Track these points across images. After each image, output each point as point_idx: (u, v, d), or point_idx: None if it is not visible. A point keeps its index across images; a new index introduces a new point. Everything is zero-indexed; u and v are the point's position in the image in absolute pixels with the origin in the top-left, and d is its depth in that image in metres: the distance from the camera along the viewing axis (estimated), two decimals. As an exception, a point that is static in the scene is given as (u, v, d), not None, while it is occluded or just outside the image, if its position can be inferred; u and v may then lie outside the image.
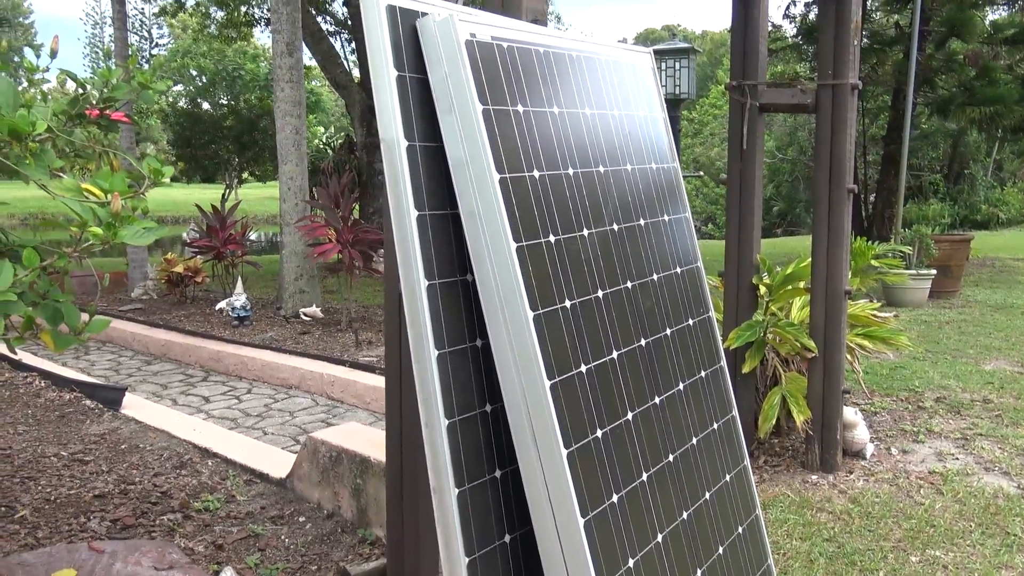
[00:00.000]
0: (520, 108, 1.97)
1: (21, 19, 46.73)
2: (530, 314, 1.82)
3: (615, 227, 2.21)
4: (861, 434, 4.47)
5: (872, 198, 15.24)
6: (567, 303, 1.95)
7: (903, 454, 4.54)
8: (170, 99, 26.73)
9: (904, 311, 9.38)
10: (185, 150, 18.66)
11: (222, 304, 9.04)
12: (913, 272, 9.71)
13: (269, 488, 3.87)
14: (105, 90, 2.37)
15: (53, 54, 2.37)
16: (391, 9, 1.86)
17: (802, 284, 4.51)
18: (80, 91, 2.36)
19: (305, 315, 8.91)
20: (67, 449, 4.32)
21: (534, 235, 1.90)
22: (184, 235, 17.26)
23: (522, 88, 1.99)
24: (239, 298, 8.63)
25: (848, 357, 4.60)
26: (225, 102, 26.35)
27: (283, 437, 5.38)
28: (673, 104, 8.21)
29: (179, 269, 9.89)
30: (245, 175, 20.83)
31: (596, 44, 2.36)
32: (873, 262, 9.12)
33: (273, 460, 4.12)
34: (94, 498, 3.67)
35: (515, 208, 1.87)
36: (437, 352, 1.85)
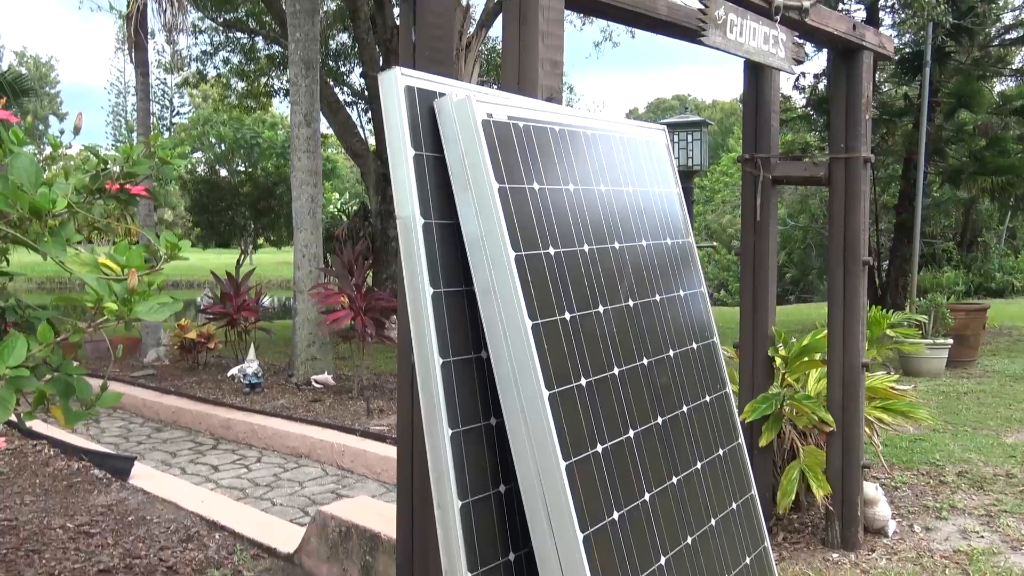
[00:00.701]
0: (536, 186, 1.98)
1: (48, 88, 48.10)
2: (545, 393, 1.80)
3: (631, 303, 2.19)
4: (883, 510, 4.36)
5: (886, 266, 15.21)
6: (583, 381, 1.93)
7: (926, 531, 4.42)
8: (189, 166, 27.26)
9: (922, 381, 9.25)
10: (202, 216, 18.93)
11: (234, 371, 9.03)
12: (930, 341, 9.61)
13: (276, 563, 3.79)
14: (125, 165, 2.40)
15: (77, 131, 2.41)
16: (409, 90, 1.89)
17: (818, 356, 4.46)
18: (101, 166, 2.40)
19: (317, 382, 8.88)
20: (73, 521, 4.26)
21: (549, 312, 1.89)
22: (198, 300, 17.37)
23: (538, 166, 2.00)
24: (251, 365, 8.62)
25: (867, 431, 4.52)
26: (243, 169, 26.84)
27: (292, 508, 5.30)
28: (686, 176, 8.29)
29: (192, 335, 9.91)
30: (260, 240, 21.05)
31: (610, 121, 2.39)
32: (889, 331, 9.05)
33: (281, 534, 4.05)
34: (98, 573, 3.60)
35: (531, 285, 1.86)
36: (451, 431, 1.82)
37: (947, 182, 14.33)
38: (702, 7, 2.88)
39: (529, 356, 1.80)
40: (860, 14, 13.36)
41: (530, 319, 1.82)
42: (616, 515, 1.90)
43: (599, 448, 1.91)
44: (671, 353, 2.31)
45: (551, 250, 1.96)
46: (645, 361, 2.19)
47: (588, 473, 1.86)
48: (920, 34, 11.92)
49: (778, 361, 4.50)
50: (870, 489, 4.33)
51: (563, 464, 1.78)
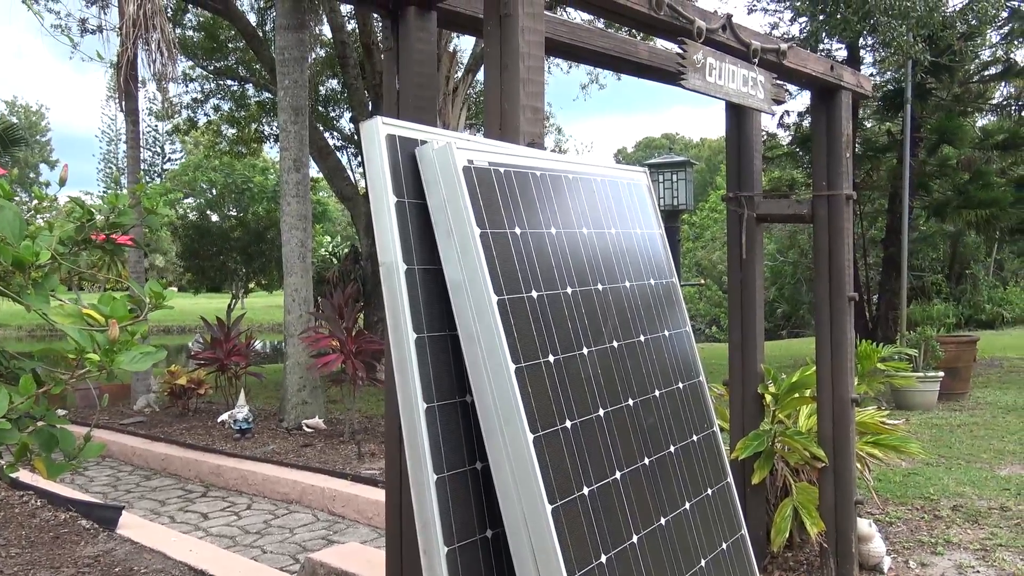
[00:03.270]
0: (518, 230, 2.00)
1: (39, 137, 48.26)
2: (530, 436, 1.80)
3: (615, 344, 2.20)
4: (877, 547, 4.33)
5: (876, 299, 15.29)
6: (567, 423, 1.93)
7: (922, 567, 4.39)
8: (181, 211, 27.33)
9: (914, 415, 9.25)
10: (193, 261, 18.93)
11: (224, 416, 8.97)
12: (921, 375, 9.63)
13: (266, 613, 3.73)
14: (111, 216, 2.41)
15: (62, 182, 2.43)
16: (391, 138, 1.92)
17: (808, 392, 4.46)
18: (87, 217, 2.41)
19: (308, 427, 8.82)
20: (60, 573, 4.19)
21: (533, 355, 1.90)
22: (190, 344, 17.29)
23: (519, 210, 2.03)
24: (241, 410, 8.56)
25: (858, 466, 4.51)
26: (233, 214, 26.90)
27: (282, 556, 5.23)
28: (672, 215, 8.37)
29: (182, 381, 9.86)
30: (252, 284, 21.04)
31: (592, 165, 2.42)
32: (880, 365, 9.06)
33: (271, 583, 3.99)
34: (84, 626, 3.54)
35: (514, 328, 1.87)
36: (436, 476, 1.82)
37: (933, 216, 14.47)
38: (680, 52, 2.93)
39: (513, 399, 1.81)
40: (842, 53, 13.60)
41: (513, 362, 1.83)
42: (604, 558, 1.89)
43: (585, 491, 1.91)
44: (657, 393, 2.32)
45: (534, 293, 1.98)
46: (631, 402, 2.19)
47: (574, 515, 1.85)
48: (901, 72, 12.13)
49: (768, 398, 4.50)
50: (864, 525, 4.31)
51: (548, 507, 1.78)
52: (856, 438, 4.51)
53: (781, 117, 15.83)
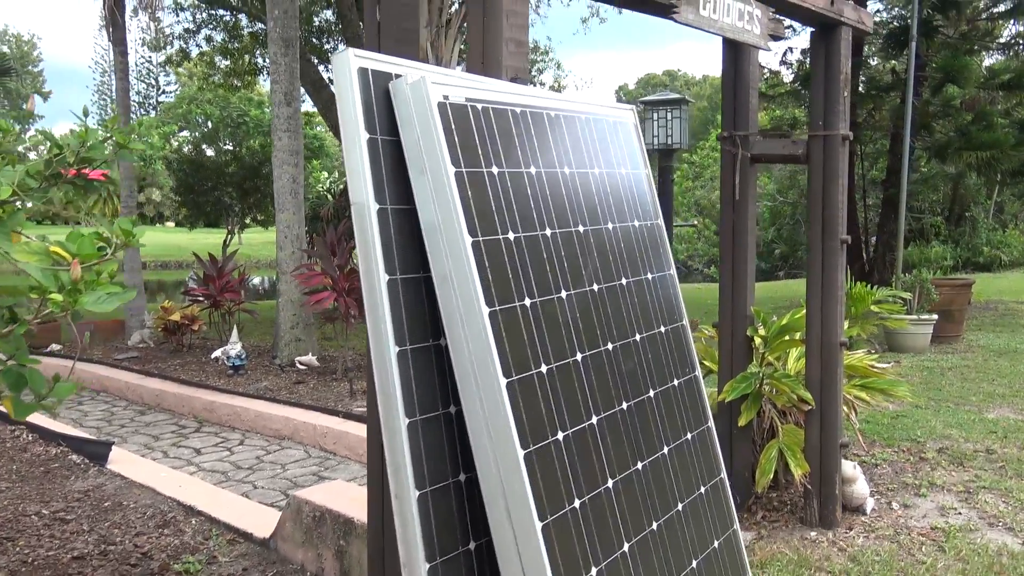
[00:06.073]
0: (495, 169, 1.93)
1: (31, 67, 47.38)
2: (503, 381, 1.77)
3: (595, 287, 2.16)
4: (861, 488, 4.37)
5: (874, 241, 15.22)
6: (543, 368, 1.90)
7: (904, 509, 4.43)
8: (175, 145, 27.00)
9: (906, 357, 9.28)
10: (188, 196, 18.75)
11: (217, 353, 8.98)
12: (914, 317, 9.63)
13: (252, 548, 3.77)
14: (81, 150, 2.34)
15: (30, 116, 2.36)
16: (363, 72, 1.84)
17: (798, 335, 4.44)
18: (56, 151, 2.34)
19: (301, 364, 8.84)
20: (49, 507, 4.23)
21: (508, 299, 1.85)
22: (187, 280, 17.26)
23: (497, 149, 1.96)
24: (234, 347, 8.57)
25: (845, 409, 4.52)
26: (229, 148, 26.58)
27: (273, 491, 5.28)
28: (666, 155, 8.23)
29: (176, 317, 9.85)
30: (248, 220, 20.89)
31: (577, 102, 2.34)
32: (873, 307, 9.05)
33: (258, 519, 4.03)
34: (72, 560, 3.58)
35: (488, 271, 1.82)
36: (408, 420, 1.79)
37: (934, 157, 14.30)
38: (673, -17, 2.82)
39: (486, 344, 1.77)
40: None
41: (487, 306, 1.79)
42: (577, 503, 1.88)
43: (560, 436, 1.89)
44: (637, 337, 2.29)
45: (511, 235, 1.92)
46: (610, 346, 2.16)
47: (548, 461, 1.83)
48: (908, 7, 11.84)
49: (757, 341, 4.48)
50: (848, 467, 4.34)
51: (521, 453, 1.76)
52: (844, 381, 4.51)
53: (784, 54, 15.53)
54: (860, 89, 13.71)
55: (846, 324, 4.79)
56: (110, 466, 4.97)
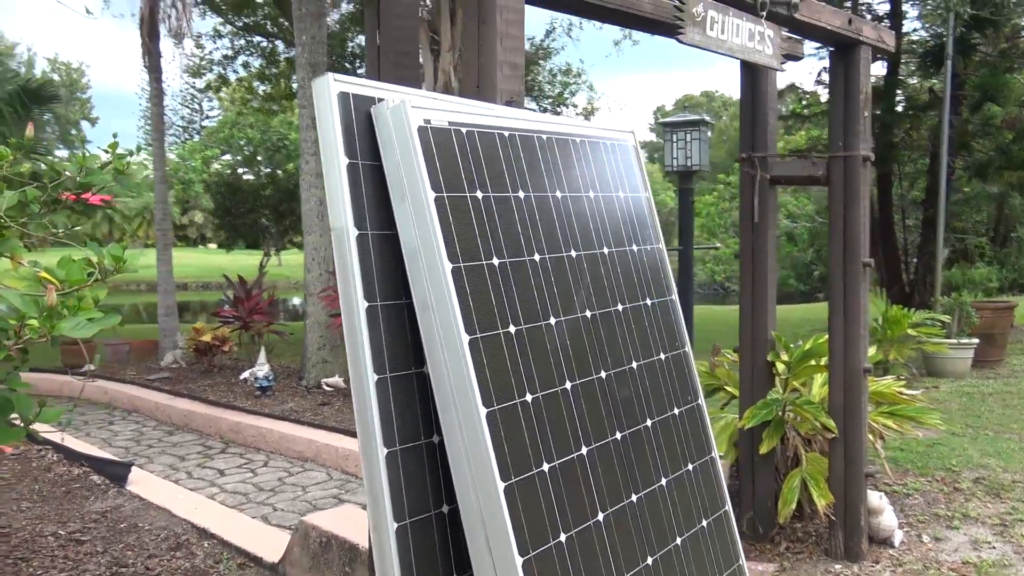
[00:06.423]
0: (479, 194, 1.90)
1: (79, 94, 48.67)
2: (483, 411, 1.72)
3: (587, 313, 2.11)
4: (888, 520, 4.22)
5: (915, 263, 14.90)
6: (528, 397, 1.84)
7: (935, 542, 4.27)
8: (215, 168, 27.51)
9: (945, 382, 9.02)
10: (225, 219, 19.06)
11: (246, 374, 9.05)
12: (954, 341, 9.36)
13: (261, 573, 3.75)
14: (79, 176, 2.36)
15: (29, 141, 2.38)
16: (344, 96, 1.82)
17: (823, 361, 4.32)
18: (54, 176, 2.36)
19: (327, 385, 8.87)
20: (66, 528, 4.26)
21: (491, 326, 1.81)
22: (222, 301, 17.47)
23: (482, 173, 1.92)
24: (261, 368, 8.63)
25: (870, 437, 4.38)
26: (268, 171, 27.00)
27: (292, 514, 5.26)
28: (685, 176, 8.12)
29: (207, 338, 9.95)
30: (286, 242, 21.16)
31: (571, 124, 2.30)
32: (910, 331, 8.82)
33: (269, 543, 4.00)
34: (83, 582, 3.59)
35: (469, 298, 1.78)
36: (386, 451, 1.75)
37: (974, 176, 13.98)
38: (678, 4, 2.78)
39: (466, 372, 1.73)
40: (884, 7, 13.10)
41: (468, 333, 1.75)
42: (563, 536, 1.82)
43: (545, 467, 1.83)
44: (634, 365, 2.22)
45: (495, 260, 1.88)
46: (603, 374, 2.10)
47: (531, 493, 1.77)
48: (945, 26, 11.63)
49: (780, 366, 4.37)
50: (874, 498, 4.19)
51: (501, 485, 1.70)
52: (871, 408, 4.38)
53: (820, 73, 15.35)
54: (898, 108, 13.48)
55: (873, 349, 4.65)
56: (129, 487, 5.00)
